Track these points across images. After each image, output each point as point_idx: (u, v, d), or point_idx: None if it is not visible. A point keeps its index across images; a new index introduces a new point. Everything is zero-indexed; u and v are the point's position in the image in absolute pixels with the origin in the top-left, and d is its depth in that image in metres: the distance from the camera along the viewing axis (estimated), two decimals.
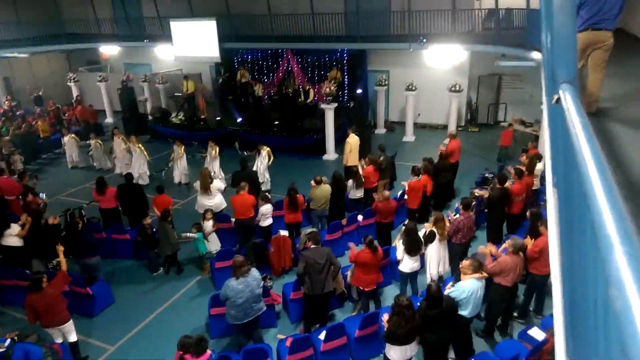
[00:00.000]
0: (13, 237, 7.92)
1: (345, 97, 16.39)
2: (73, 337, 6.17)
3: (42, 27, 19.36)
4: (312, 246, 6.37)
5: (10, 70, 20.00)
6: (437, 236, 6.88)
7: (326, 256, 6.21)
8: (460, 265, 5.68)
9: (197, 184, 9.10)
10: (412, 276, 6.96)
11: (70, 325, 6.09)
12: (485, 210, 8.63)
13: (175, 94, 17.73)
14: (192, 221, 8.53)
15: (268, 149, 11.32)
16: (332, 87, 13.30)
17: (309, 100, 15.45)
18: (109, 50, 19.29)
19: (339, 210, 9.12)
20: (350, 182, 9.27)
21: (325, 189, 8.73)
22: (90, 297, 7.20)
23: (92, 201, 9.62)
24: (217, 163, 11.70)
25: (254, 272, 5.97)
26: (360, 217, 8.88)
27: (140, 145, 12.20)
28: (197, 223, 8.28)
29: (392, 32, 15.38)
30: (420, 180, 8.71)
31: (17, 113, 17.00)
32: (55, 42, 19.16)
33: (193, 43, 17.00)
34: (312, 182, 8.73)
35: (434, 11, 14.17)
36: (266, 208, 8.48)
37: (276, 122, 15.10)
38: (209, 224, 8.27)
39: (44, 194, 9.43)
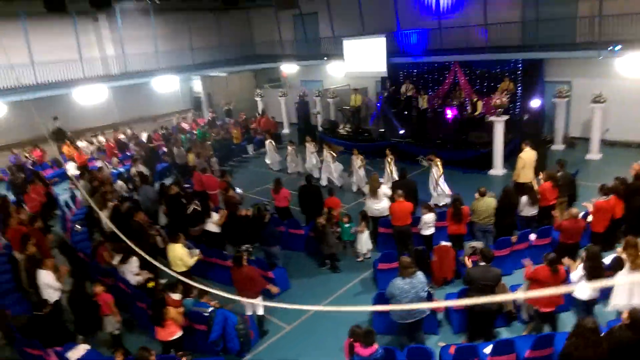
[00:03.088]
0: (212, 224, 9.56)
1: (517, 109, 15.41)
2: (260, 311, 7.29)
3: (238, 50, 22.97)
4: (482, 264, 6.26)
5: (211, 87, 24.03)
6: (628, 264, 6.09)
7: (495, 278, 6.09)
8: None
9: (366, 188, 9.73)
10: (590, 305, 6.29)
11: (258, 302, 7.12)
12: None
13: (343, 107, 19.05)
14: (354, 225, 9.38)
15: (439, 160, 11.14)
16: (504, 99, 12.68)
17: (476, 113, 14.97)
18: (288, 69, 21.71)
19: (507, 228, 8.64)
20: (524, 198, 8.76)
21: (490, 202, 8.44)
22: (272, 280, 8.26)
23: (273, 199, 11.00)
24: (361, 172, 12.22)
25: (420, 275, 6.16)
26: (533, 236, 8.32)
27: (332, 152, 13.33)
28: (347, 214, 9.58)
29: (577, 40, 14.01)
30: (609, 201, 7.77)
31: (217, 123, 20.43)
32: (247, 62, 22.48)
33: (362, 59, 18.15)
34: (476, 194, 8.53)
35: (632, 14, 12.49)
36: (429, 217, 8.60)
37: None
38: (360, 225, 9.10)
39: (241, 190, 11.18)
